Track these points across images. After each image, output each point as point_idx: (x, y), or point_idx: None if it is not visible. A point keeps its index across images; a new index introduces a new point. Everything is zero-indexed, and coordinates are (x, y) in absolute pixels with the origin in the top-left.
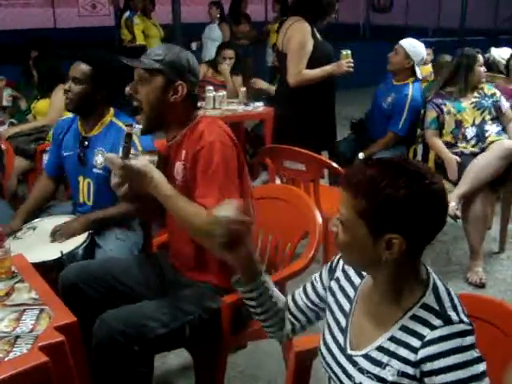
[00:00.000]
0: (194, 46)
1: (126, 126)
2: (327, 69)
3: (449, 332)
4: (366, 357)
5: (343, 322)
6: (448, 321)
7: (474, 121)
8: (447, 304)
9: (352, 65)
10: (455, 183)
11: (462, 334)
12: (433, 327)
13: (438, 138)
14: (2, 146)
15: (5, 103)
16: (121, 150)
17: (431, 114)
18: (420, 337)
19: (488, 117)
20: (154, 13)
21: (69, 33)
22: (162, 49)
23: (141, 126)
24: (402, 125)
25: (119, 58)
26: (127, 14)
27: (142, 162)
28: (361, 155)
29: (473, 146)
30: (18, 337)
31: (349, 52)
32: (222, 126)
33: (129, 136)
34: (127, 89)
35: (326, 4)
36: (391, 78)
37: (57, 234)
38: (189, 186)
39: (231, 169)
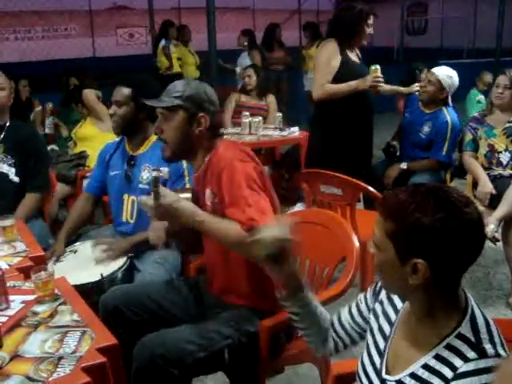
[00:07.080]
0: (238, 69)
1: (153, 170)
2: (352, 83)
3: (483, 366)
4: (399, 383)
5: (382, 345)
6: (483, 354)
7: (506, 147)
8: (484, 336)
9: (381, 80)
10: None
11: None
12: (467, 359)
13: (475, 159)
14: None
15: (47, 131)
16: (152, 194)
17: (468, 137)
18: (453, 368)
19: None
20: (191, 40)
21: (107, 61)
22: (181, 85)
23: (167, 169)
24: (446, 152)
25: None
26: (163, 42)
27: (172, 198)
28: (403, 164)
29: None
30: (61, 358)
31: (377, 67)
32: (239, 146)
33: (156, 180)
34: (153, 129)
35: (352, 28)
36: (418, 106)
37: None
38: (220, 208)
39: (254, 182)
